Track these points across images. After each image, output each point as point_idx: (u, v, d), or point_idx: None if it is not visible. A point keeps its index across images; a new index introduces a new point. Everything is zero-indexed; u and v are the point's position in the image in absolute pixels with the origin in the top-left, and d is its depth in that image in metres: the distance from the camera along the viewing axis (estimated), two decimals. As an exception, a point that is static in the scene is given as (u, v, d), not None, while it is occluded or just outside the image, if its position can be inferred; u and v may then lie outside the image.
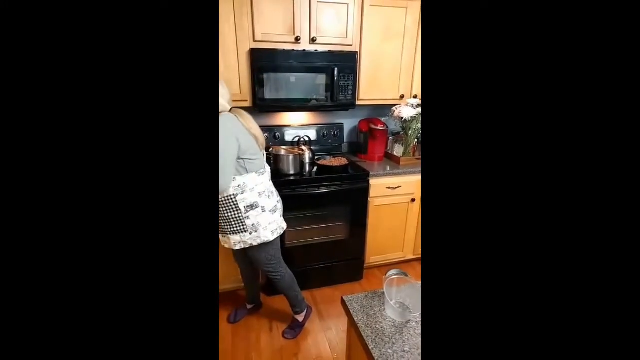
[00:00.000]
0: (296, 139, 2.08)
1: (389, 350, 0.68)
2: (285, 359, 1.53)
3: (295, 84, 1.80)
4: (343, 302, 0.84)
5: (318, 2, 1.72)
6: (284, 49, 1.72)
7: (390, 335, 0.73)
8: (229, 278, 1.85)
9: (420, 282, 0.95)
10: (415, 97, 2.10)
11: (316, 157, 2.00)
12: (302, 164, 1.87)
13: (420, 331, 0.75)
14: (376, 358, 0.66)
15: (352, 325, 0.79)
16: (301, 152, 1.87)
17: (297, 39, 1.73)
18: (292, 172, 1.82)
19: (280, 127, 2.08)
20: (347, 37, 1.83)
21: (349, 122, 2.30)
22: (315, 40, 1.77)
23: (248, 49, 1.68)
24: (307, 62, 1.77)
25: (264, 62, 1.69)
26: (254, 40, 1.68)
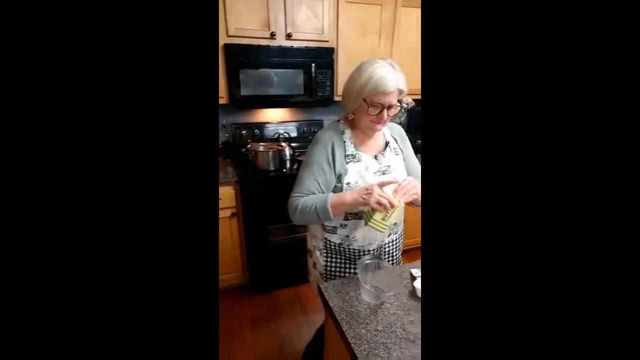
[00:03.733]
0: (276, 136, 2.07)
1: (363, 330, 0.69)
2: (270, 354, 1.53)
3: (273, 80, 1.79)
4: (319, 289, 0.85)
5: (293, -2, 1.73)
6: (259, 45, 1.71)
7: (365, 316, 0.74)
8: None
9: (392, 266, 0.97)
10: (392, 92, 2.14)
11: (296, 154, 2.00)
12: (282, 160, 1.87)
13: (394, 311, 0.76)
14: (349, 338, 0.67)
15: (328, 310, 0.79)
16: (280, 148, 1.86)
17: (273, 35, 1.73)
18: (272, 168, 1.82)
19: (260, 124, 2.07)
20: (323, 33, 1.84)
21: (328, 119, 2.32)
22: (291, 36, 1.77)
23: (222, 44, 1.67)
24: (283, 58, 1.77)
25: (239, 57, 1.68)
26: (228, 35, 1.67)
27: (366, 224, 0.84)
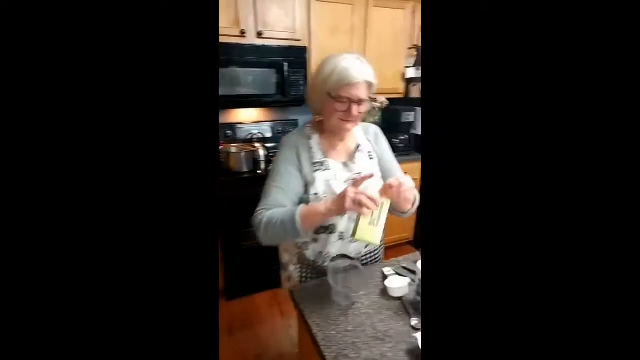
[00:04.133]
0: (249, 136, 2.03)
1: (333, 332, 0.68)
2: (245, 361, 1.48)
3: (245, 79, 1.76)
4: (291, 293, 0.83)
5: (264, -4, 1.70)
6: (228, 43, 1.67)
7: (335, 318, 0.72)
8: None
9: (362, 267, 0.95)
10: (366, 91, 2.15)
11: (271, 154, 1.97)
12: (256, 161, 1.83)
13: (364, 310, 0.75)
14: (319, 341, 0.66)
15: (300, 315, 0.77)
16: (254, 149, 1.83)
17: (243, 33, 1.69)
18: (245, 169, 1.78)
19: (232, 125, 2.02)
20: (295, 32, 1.83)
21: (303, 118, 2.30)
22: (262, 35, 1.74)
23: (191, 42, 1.61)
24: (255, 57, 1.74)
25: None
26: (197, 34, 1.62)
27: (353, 235, 0.70)
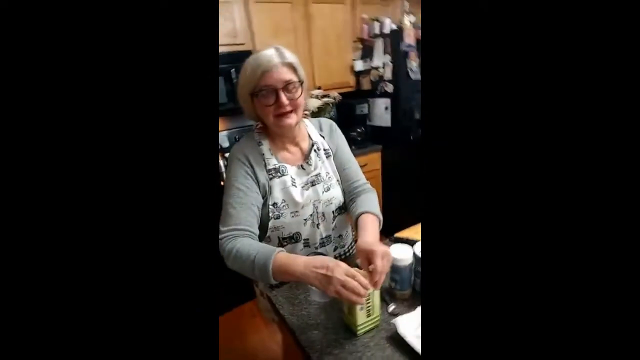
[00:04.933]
0: (206, 148, 1.96)
1: (314, 332, 0.68)
2: (235, 378, 1.44)
3: (192, 90, 1.69)
4: (268, 298, 0.81)
5: (199, 2, 1.64)
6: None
7: (315, 317, 0.72)
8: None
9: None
10: (319, 88, 2.17)
11: (231, 163, 1.92)
12: (217, 172, 1.78)
13: (342, 306, 0.76)
14: (302, 342, 0.65)
15: (280, 318, 0.76)
16: (212, 161, 1.77)
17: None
18: (206, 183, 1.72)
19: (186, 139, 1.94)
20: (237, 36, 1.79)
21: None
22: (204, 43, 1.69)
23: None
24: (199, 65, 1.68)
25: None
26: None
27: (355, 331, 0.63)
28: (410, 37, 2.03)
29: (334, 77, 2.27)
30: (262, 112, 0.75)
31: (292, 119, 0.76)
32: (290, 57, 0.75)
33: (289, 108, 0.74)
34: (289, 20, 1.96)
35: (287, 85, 0.73)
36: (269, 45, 0.78)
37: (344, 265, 0.59)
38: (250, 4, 1.79)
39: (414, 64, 2.10)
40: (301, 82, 0.76)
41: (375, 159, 2.32)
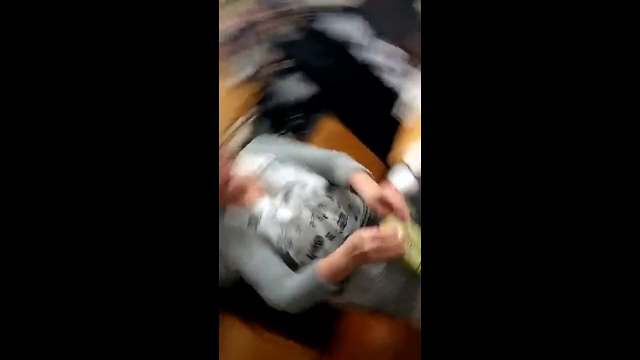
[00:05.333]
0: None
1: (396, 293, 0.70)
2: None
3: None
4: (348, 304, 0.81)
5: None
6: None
7: (383, 279, 0.74)
8: None
9: None
10: (231, 125, 2.12)
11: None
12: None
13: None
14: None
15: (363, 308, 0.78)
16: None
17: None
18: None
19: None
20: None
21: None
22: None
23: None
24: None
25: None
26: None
27: (416, 271, 0.66)
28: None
29: (230, 105, 2.21)
30: None
31: (238, 180, 0.79)
32: None
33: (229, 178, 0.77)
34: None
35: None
36: None
37: (366, 233, 0.60)
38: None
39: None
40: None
41: (329, 126, 2.29)
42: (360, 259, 0.60)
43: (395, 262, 0.74)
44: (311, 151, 0.96)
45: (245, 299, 1.25)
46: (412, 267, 0.67)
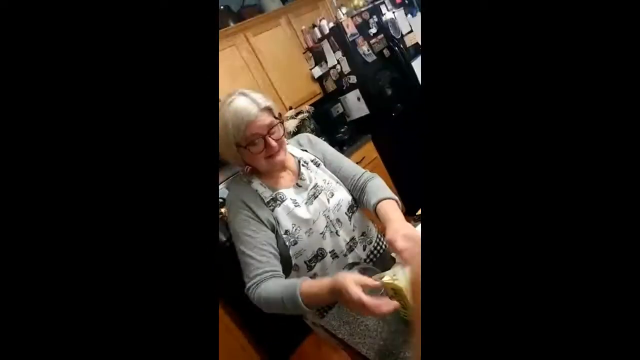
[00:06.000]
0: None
1: (381, 342, 0.66)
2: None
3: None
4: (322, 327, 0.80)
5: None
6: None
7: (374, 328, 0.71)
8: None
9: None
10: (290, 108, 2.19)
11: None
12: (227, 224, 1.78)
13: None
14: (373, 359, 0.64)
15: (340, 343, 0.75)
16: (220, 216, 1.78)
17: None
18: (223, 238, 1.72)
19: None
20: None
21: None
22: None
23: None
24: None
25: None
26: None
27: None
28: (350, 27, 2.06)
29: (300, 92, 2.30)
30: (252, 159, 0.79)
31: (281, 155, 0.80)
32: (262, 100, 0.77)
33: (277, 148, 0.78)
34: (238, 60, 2.00)
35: (270, 130, 0.76)
36: (232, 91, 0.80)
37: (351, 284, 0.58)
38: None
39: (364, 48, 2.13)
40: (280, 121, 0.80)
41: (369, 149, 2.32)
42: (341, 300, 0.61)
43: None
44: (350, 164, 0.94)
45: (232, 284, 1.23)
46: (404, 317, 0.65)
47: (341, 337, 0.73)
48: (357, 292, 0.57)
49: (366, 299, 0.56)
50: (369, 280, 0.59)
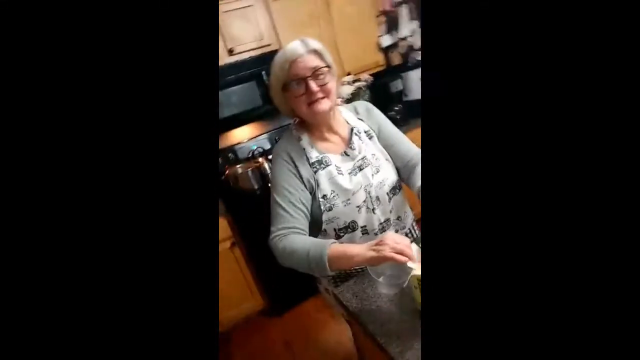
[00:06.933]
0: (250, 154, 2.03)
1: (389, 325, 0.66)
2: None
3: (228, 100, 1.74)
4: (334, 295, 0.81)
5: (222, 12, 1.67)
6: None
7: (387, 310, 0.71)
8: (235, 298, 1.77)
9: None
10: (348, 74, 2.11)
11: (276, 164, 1.96)
12: (263, 175, 1.83)
13: (415, 296, 0.73)
14: (379, 339, 0.64)
15: (351, 315, 0.76)
16: (258, 164, 1.82)
17: (214, 56, 1.68)
18: (256, 186, 1.77)
19: (231, 147, 2.02)
20: (263, 39, 1.80)
21: (296, 120, 2.28)
22: (233, 51, 1.72)
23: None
24: (232, 75, 1.72)
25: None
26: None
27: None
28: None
29: (362, 59, 2.18)
30: (295, 104, 0.76)
31: (324, 105, 0.76)
32: (315, 44, 0.75)
33: (320, 95, 0.74)
34: (308, 10, 1.91)
35: (314, 72, 0.73)
36: (296, 39, 0.77)
37: (396, 235, 0.64)
38: (270, 4, 1.78)
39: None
40: (329, 67, 0.75)
41: (419, 135, 2.20)
42: (374, 248, 0.63)
43: (406, 295, 0.71)
44: (405, 142, 0.90)
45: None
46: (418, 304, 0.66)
47: (352, 310, 0.74)
48: (402, 240, 0.62)
49: (406, 242, 0.62)
50: (409, 251, 0.61)
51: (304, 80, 0.72)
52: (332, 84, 0.76)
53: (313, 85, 0.73)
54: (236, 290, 1.76)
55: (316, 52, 0.74)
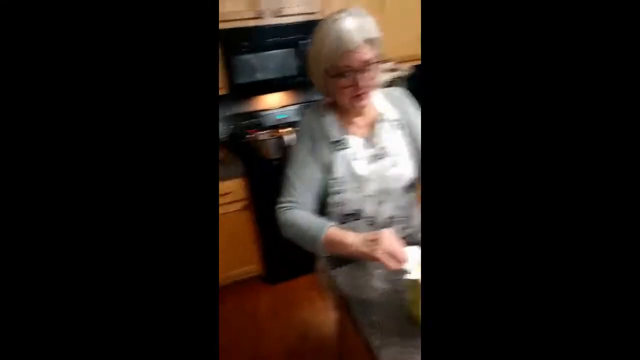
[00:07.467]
0: (276, 122, 2.01)
1: (374, 317, 0.65)
2: (295, 340, 1.53)
3: (264, 64, 1.71)
4: (329, 278, 0.81)
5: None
6: (245, 27, 1.62)
7: (376, 302, 0.69)
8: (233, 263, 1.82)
9: None
10: (388, 61, 2.01)
11: (298, 138, 1.94)
12: (283, 147, 1.81)
13: (406, 295, 0.72)
14: (363, 325, 0.63)
15: (340, 298, 0.75)
16: (280, 134, 1.80)
17: (260, 14, 1.63)
18: (275, 156, 1.77)
19: (258, 112, 2.01)
20: (310, 4, 1.72)
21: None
22: (281, 13, 1.67)
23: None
24: (271, 39, 1.68)
25: (229, 44, 1.60)
26: (212, 22, 1.59)
27: (418, 320, 0.61)
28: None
29: (407, 48, 2.06)
30: (337, 91, 0.73)
31: (367, 99, 0.73)
32: (372, 29, 0.68)
33: (366, 90, 0.71)
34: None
35: (365, 65, 0.68)
36: (343, 8, 0.71)
37: (392, 235, 0.63)
38: (324, -30, 1.70)
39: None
40: (379, 62, 0.71)
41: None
42: (369, 243, 0.63)
43: (398, 292, 0.70)
44: None
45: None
46: (417, 316, 0.62)
47: (342, 294, 0.74)
48: (396, 241, 0.63)
49: (400, 248, 0.62)
50: (401, 257, 0.61)
51: (353, 72, 0.68)
52: (378, 77, 0.72)
53: (362, 81, 0.69)
54: (239, 252, 1.81)
55: (371, 42, 0.68)
